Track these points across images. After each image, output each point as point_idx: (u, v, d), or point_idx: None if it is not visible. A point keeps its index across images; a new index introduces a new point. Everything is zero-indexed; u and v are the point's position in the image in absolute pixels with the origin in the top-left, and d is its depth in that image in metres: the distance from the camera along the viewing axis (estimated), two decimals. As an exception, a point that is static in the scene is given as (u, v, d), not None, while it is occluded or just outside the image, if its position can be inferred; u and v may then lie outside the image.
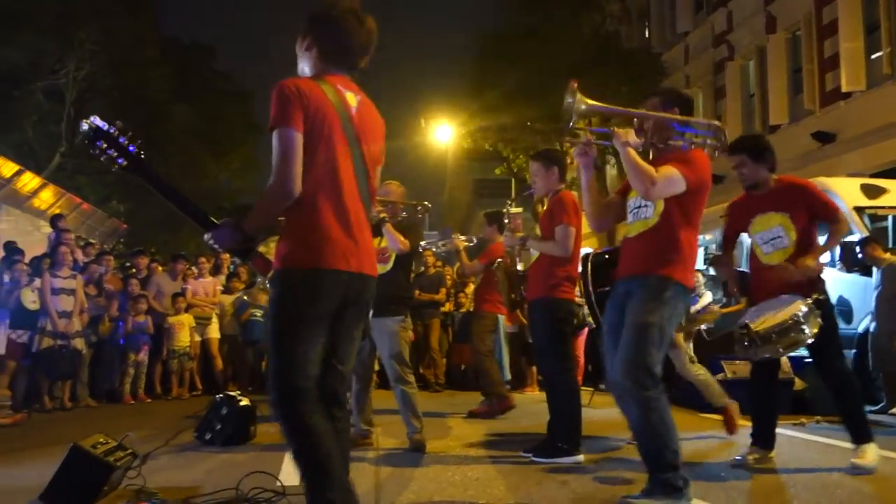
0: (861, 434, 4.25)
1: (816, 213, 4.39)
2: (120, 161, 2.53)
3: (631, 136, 3.36)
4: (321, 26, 2.66)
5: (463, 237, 7.10)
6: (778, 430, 4.57)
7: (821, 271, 4.31)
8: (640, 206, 3.56)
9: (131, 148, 2.55)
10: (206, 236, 2.56)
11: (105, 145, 2.52)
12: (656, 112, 3.55)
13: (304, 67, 2.70)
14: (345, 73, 2.68)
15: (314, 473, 2.41)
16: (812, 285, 4.27)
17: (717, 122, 3.54)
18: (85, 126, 2.54)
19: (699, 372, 5.73)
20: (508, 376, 8.65)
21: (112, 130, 2.53)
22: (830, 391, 4.43)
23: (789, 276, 4.24)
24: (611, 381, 3.51)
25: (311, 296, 2.45)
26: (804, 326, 4.19)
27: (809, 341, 4.21)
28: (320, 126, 2.47)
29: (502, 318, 8.00)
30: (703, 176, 3.42)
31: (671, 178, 3.33)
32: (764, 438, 4.51)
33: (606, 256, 4.86)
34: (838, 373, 4.38)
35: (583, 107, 3.28)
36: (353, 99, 2.62)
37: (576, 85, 3.26)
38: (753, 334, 4.23)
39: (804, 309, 4.21)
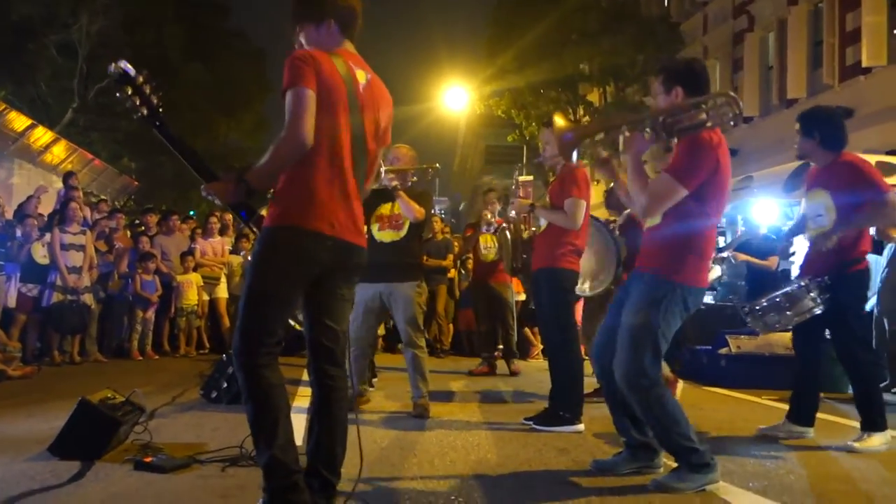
0: (869, 421, 4.18)
1: (857, 191, 4.16)
2: (140, 111, 2.60)
3: (636, 143, 3.21)
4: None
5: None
6: (779, 406, 4.57)
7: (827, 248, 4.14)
8: None
9: (152, 100, 2.62)
10: (202, 188, 2.60)
11: (130, 91, 2.58)
12: (659, 96, 3.35)
13: (321, 43, 2.72)
14: (351, 45, 2.76)
15: (263, 424, 2.54)
16: (828, 264, 4.21)
17: (727, 94, 3.20)
18: (112, 68, 2.59)
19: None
20: None
21: (138, 78, 2.59)
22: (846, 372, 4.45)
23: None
24: (590, 353, 3.51)
25: (290, 256, 2.52)
26: (788, 306, 4.23)
27: (795, 320, 4.26)
28: (327, 94, 2.54)
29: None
30: (706, 172, 3.16)
31: (664, 192, 3.17)
32: (797, 414, 4.47)
33: None
34: (848, 356, 4.32)
35: (569, 136, 3.21)
36: (362, 76, 2.71)
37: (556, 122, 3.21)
38: (746, 309, 4.36)
39: (795, 287, 4.24)
